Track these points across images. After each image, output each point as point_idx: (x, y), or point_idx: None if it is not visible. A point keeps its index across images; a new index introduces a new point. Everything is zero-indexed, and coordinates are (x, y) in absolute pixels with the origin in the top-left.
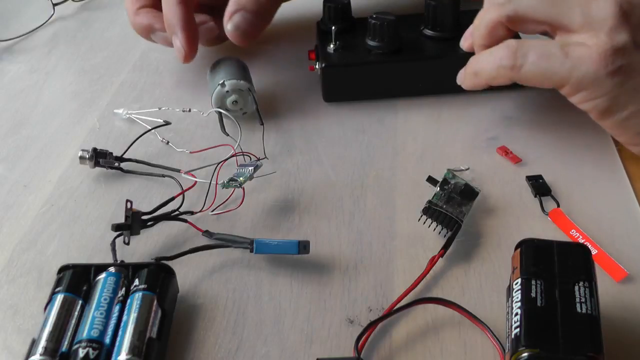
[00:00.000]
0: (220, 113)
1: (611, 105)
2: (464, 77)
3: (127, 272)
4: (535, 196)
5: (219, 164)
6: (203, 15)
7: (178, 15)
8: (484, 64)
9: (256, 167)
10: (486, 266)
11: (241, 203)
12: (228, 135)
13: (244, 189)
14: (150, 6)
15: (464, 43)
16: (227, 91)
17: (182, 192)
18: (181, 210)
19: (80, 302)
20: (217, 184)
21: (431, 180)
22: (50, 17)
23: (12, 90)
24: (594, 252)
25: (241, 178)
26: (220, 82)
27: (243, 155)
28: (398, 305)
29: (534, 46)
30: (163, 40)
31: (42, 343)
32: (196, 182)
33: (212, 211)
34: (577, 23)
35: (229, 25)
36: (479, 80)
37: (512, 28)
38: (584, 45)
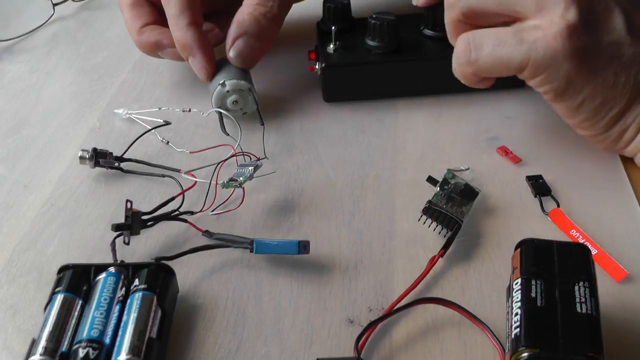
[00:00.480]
0: (220, 113)
1: (567, 88)
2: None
3: (127, 272)
4: (535, 196)
5: (219, 164)
6: (207, 23)
7: (193, 37)
8: (453, 66)
9: (256, 167)
10: (486, 266)
11: (241, 203)
12: (228, 135)
13: (244, 189)
14: (153, 23)
15: None
16: (228, 91)
17: (182, 192)
18: (181, 210)
19: (80, 302)
20: (217, 184)
21: (431, 180)
22: (50, 17)
23: (12, 90)
24: (594, 252)
25: (241, 178)
26: (220, 82)
27: (243, 155)
28: (398, 305)
29: (487, 36)
30: (172, 56)
31: (42, 343)
32: (196, 182)
33: (212, 211)
34: (530, 9)
35: (231, 52)
36: (464, 81)
37: (472, 23)
38: (539, 28)
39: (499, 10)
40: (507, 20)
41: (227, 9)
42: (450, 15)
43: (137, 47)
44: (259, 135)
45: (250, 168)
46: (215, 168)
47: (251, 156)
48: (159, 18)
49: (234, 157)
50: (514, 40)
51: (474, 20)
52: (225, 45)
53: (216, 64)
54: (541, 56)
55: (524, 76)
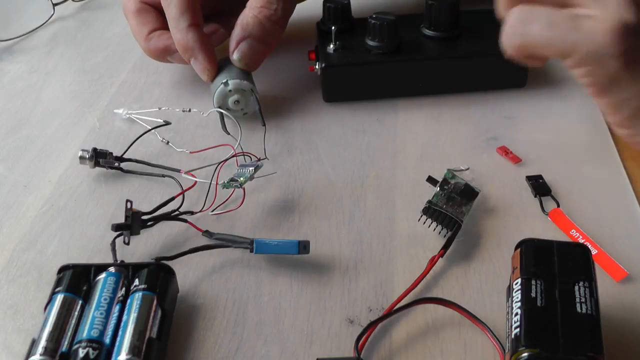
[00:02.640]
0: (221, 112)
1: (611, 84)
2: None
3: (127, 272)
4: (535, 196)
5: (219, 164)
6: (211, 24)
7: (194, 38)
8: (504, 34)
9: (257, 168)
10: (486, 266)
11: (241, 203)
12: (229, 134)
13: (244, 189)
14: (160, 28)
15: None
16: (230, 90)
17: (182, 192)
18: (181, 210)
19: (80, 302)
20: (217, 184)
21: (431, 180)
22: (50, 17)
23: (12, 90)
24: (594, 252)
25: (241, 178)
26: (223, 82)
27: (244, 155)
28: (398, 305)
29: (541, 15)
30: (181, 60)
31: (42, 343)
32: (196, 182)
33: (212, 211)
34: None
35: (235, 55)
36: (509, 51)
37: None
38: (593, 19)
39: None
40: (561, 3)
41: (230, 10)
42: None
43: (145, 54)
44: (259, 135)
45: (250, 168)
46: (216, 168)
47: (251, 156)
48: (165, 23)
49: (234, 158)
50: (566, 26)
51: None
52: (229, 47)
53: (218, 64)
54: (588, 49)
55: (567, 64)
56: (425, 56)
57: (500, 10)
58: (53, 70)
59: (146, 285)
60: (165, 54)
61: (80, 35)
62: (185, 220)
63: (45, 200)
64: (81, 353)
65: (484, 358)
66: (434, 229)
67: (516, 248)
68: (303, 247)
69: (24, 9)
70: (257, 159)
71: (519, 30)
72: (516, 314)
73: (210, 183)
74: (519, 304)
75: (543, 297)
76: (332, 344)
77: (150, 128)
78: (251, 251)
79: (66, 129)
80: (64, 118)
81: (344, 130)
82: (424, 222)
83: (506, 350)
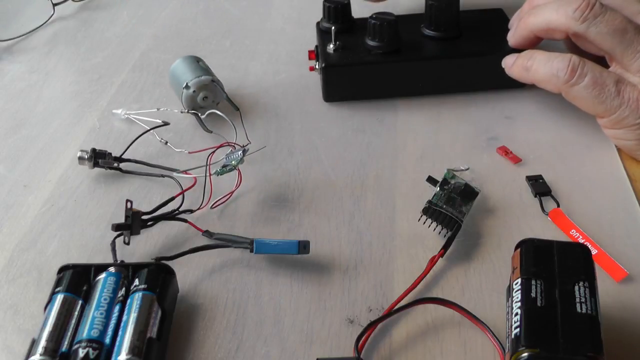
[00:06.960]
0: (197, 115)
1: (637, 150)
2: (513, 65)
3: (127, 272)
4: (535, 196)
5: (208, 156)
6: None
7: None
8: (539, 66)
9: (245, 151)
10: (486, 266)
11: (239, 184)
12: (211, 132)
13: (239, 169)
14: None
15: (513, 21)
16: (194, 91)
17: (182, 192)
18: (181, 210)
19: (80, 302)
20: (210, 175)
21: (431, 180)
22: (50, 17)
23: (12, 90)
24: (594, 252)
25: (233, 162)
26: (184, 86)
27: (228, 145)
28: (398, 305)
29: (593, 71)
30: None
31: (42, 343)
32: (196, 181)
33: (212, 206)
34: (635, 67)
35: None
36: (526, 76)
37: (573, 40)
38: (637, 89)
39: (609, 51)
40: (607, 57)
41: None
42: (560, 22)
43: None
44: (253, 127)
45: (239, 152)
46: (207, 160)
47: (236, 146)
48: None
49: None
50: (613, 89)
51: (577, 41)
52: None
53: (175, 67)
54: (626, 115)
55: (602, 123)
56: (425, 56)
57: (526, 27)
58: (53, 70)
59: (146, 285)
60: None
61: (80, 35)
62: (185, 220)
63: (45, 200)
64: (81, 353)
65: (484, 358)
66: (434, 229)
67: (516, 248)
68: (303, 247)
69: (24, 9)
70: (241, 147)
71: (571, 78)
72: (516, 314)
73: (206, 177)
74: (519, 304)
75: (543, 297)
76: (332, 344)
77: (149, 128)
78: (251, 251)
79: (66, 129)
80: (64, 118)
81: (344, 130)
82: (424, 222)
83: (506, 350)
